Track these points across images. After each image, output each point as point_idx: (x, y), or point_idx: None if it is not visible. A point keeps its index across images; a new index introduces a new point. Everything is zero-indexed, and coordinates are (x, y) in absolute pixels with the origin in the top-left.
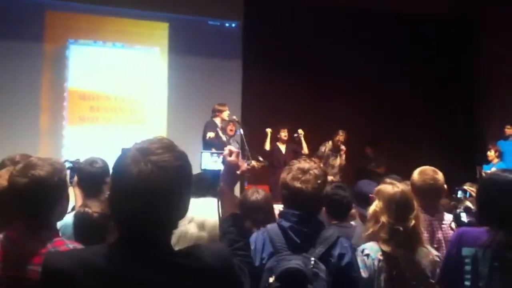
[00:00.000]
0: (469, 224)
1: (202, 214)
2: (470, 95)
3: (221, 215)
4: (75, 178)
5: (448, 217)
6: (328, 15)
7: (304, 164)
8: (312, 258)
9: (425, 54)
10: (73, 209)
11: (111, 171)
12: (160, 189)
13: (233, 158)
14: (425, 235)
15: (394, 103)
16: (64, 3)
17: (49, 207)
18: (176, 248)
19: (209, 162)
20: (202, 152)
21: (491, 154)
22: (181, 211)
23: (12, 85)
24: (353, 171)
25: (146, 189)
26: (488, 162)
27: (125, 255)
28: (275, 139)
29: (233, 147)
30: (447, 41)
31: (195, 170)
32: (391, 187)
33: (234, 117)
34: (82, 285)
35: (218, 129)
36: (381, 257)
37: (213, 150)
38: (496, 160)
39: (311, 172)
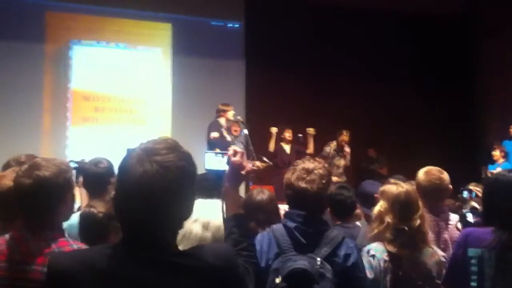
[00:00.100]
0: (475, 224)
1: (208, 214)
2: (470, 95)
3: (225, 215)
4: (80, 179)
5: (453, 217)
6: (333, 15)
7: (309, 164)
8: (318, 259)
9: (425, 54)
10: (78, 209)
11: (116, 171)
12: (164, 189)
13: (237, 158)
14: (431, 236)
15: (394, 103)
16: (64, 4)
17: (54, 208)
18: (179, 247)
19: (212, 162)
20: (206, 153)
21: (496, 154)
22: (186, 211)
23: (13, 86)
24: (355, 172)
25: (151, 189)
26: (493, 162)
27: (129, 255)
28: (279, 139)
29: (238, 147)
30: (447, 41)
31: (200, 171)
32: (396, 187)
33: (239, 117)
34: (86, 285)
35: (223, 129)
36: (386, 258)
37: (217, 151)
38: (501, 160)
39: (315, 172)
